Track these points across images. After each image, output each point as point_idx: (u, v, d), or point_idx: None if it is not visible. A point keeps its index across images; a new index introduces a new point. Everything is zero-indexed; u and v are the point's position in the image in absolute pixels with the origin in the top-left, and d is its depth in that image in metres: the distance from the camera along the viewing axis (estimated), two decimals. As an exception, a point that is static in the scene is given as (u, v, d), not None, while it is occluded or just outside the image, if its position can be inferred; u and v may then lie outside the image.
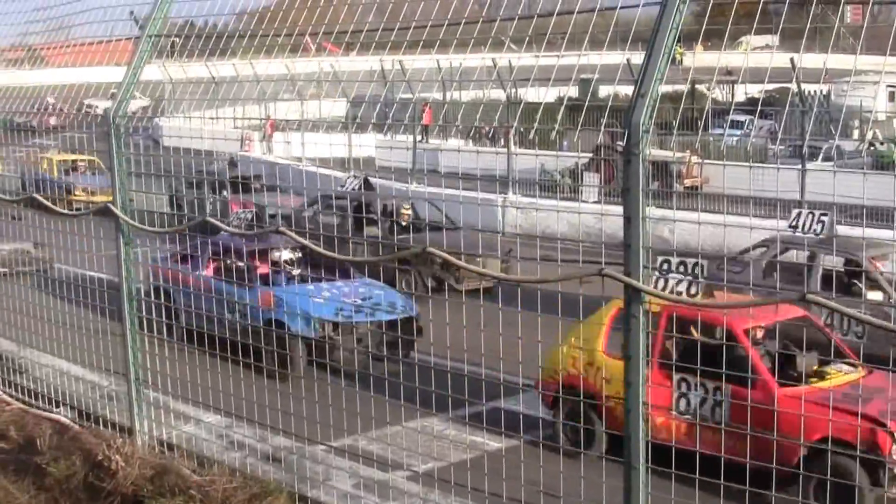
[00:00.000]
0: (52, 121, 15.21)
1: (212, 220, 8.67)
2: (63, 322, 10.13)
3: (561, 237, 6.41)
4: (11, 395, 10.14)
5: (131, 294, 8.66)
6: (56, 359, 10.23)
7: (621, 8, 6.49)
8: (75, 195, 25.28)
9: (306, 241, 7.88)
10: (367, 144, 33.93)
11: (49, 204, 10.20)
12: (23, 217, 11.55)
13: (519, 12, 7.40)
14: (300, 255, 15.08)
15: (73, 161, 32.27)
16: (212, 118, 11.15)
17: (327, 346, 12.15)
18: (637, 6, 6.17)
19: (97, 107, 14.59)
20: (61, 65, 11.80)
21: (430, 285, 17.15)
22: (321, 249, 7.83)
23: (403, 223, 20.04)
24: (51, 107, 13.38)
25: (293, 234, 7.75)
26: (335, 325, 13.46)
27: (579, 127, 6.05)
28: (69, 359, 10.09)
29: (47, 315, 10.36)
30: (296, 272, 14.83)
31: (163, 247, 12.22)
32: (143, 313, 8.96)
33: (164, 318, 11.52)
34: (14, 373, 10.49)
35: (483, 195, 23.12)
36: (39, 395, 9.94)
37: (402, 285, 17.61)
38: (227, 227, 8.62)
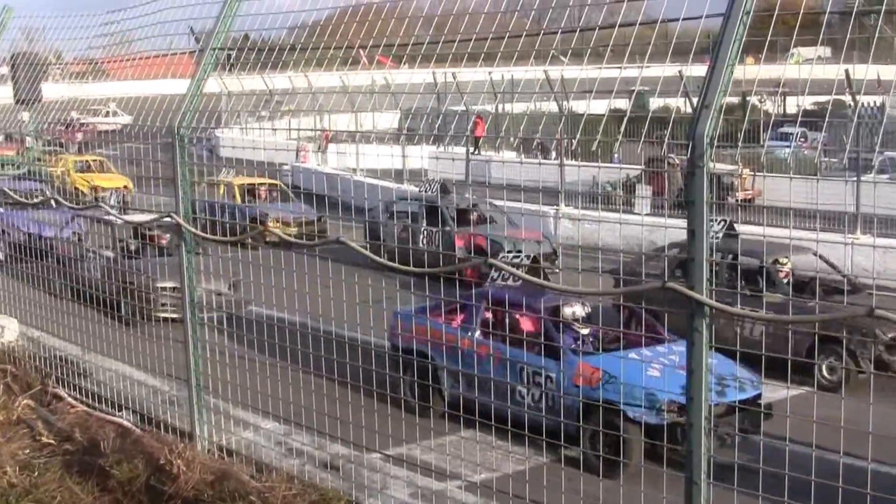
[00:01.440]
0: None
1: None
2: (125, 327, 10.29)
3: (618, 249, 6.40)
4: (76, 398, 10.29)
5: (193, 301, 8.77)
6: (119, 363, 10.38)
7: (684, 20, 6.50)
8: (269, 225, 21.14)
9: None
10: (419, 156, 34.05)
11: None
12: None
13: (573, 25, 7.43)
14: (590, 310, 12.06)
15: (254, 185, 28.47)
16: (271, 129, 11.24)
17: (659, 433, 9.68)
18: (699, 18, 6.17)
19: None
20: (123, 78, 11.98)
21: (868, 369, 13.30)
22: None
23: (781, 279, 15.26)
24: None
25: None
26: (681, 407, 9.66)
27: (642, 138, 6.07)
28: (132, 363, 10.24)
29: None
30: (584, 331, 11.90)
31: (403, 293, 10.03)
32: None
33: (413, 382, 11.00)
34: (79, 376, 10.66)
35: (536, 207, 23.10)
36: (103, 399, 10.10)
37: (821, 364, 13.65)
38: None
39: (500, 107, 36.55)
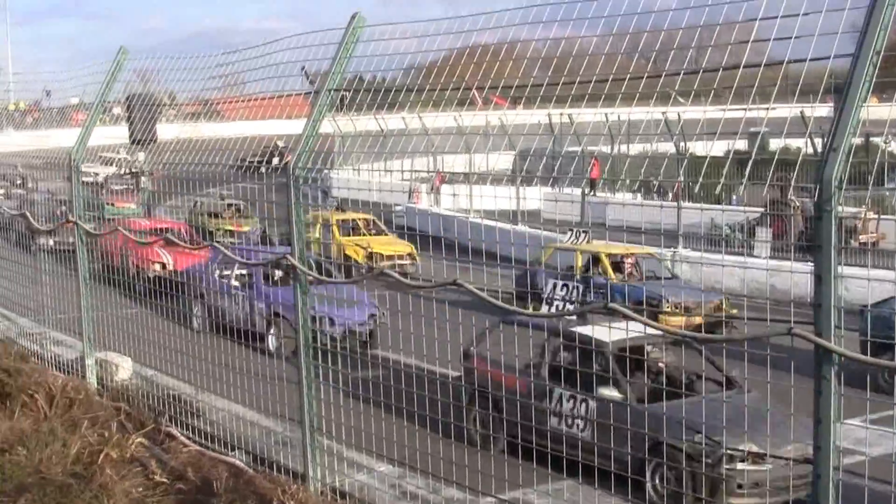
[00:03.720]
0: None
1: None
2: (239, 368, 10.33)
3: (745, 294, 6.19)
4: (189, 438, 10.35)
5: (308, 342, 8.75)
6: (231, 403, 10.43)
7: (810, 60, 6.32)
8: (668, 311, 17.24)
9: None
10: (533, 197, 33.95)
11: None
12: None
13: (686, 66, 7.29)
14: None
15: (621, 256, 21.80)
16: (386, 170, 11.26)
17: None
18: (826, 59, 5.98)
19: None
20: (236, 118, 12.12)
21: None
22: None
23: None
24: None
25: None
26: None
27: (768, 181, 5.90)
28: (244, 404, 10.27)
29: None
30: None
31: None
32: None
33: None
34: (192, 416, 10.73)
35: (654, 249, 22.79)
36: (216, 438, 10.14)
37: None
38: None
39: (617, 148, 36.38)
